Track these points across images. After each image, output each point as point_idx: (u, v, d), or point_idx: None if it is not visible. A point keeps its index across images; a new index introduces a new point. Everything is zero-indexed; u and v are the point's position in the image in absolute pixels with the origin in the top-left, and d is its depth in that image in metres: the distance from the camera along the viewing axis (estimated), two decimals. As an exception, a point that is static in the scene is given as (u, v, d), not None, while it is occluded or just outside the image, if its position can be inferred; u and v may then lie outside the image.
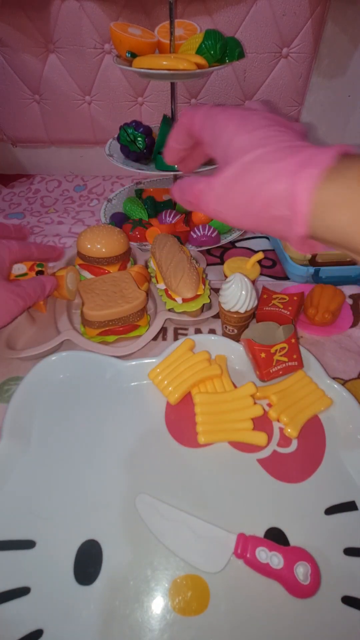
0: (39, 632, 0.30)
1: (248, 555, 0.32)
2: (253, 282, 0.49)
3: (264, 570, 0.32)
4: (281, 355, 0.43)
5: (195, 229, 0.65)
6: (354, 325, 0.53)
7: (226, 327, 0.50)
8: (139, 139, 0.61)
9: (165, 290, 0.53)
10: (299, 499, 0.37)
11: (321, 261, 0.56)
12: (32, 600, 0.32)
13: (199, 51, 0.53)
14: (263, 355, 0.42)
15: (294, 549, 0.33)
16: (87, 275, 0.55)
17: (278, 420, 0.42)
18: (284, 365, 0.43)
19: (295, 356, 0.43)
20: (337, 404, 0.43)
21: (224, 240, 0.67)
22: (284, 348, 0.43)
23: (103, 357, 0.46)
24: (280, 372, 0.43)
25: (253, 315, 0.53)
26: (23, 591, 0.32)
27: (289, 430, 0.40)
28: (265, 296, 0.52)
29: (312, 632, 0.30)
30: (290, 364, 0.43)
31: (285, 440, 0.41)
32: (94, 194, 0.84)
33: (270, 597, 0.32)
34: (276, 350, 0.42)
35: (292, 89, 0.74)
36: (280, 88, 0.74)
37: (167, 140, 0.33)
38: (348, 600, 0.32)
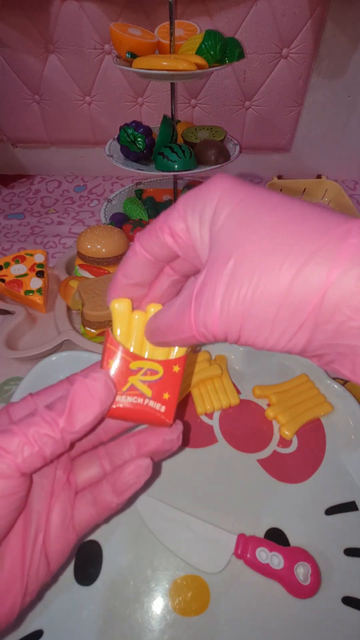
0: (39, 632, 0.30)
1: (248, 556, 0.32)
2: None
3: (264, 570, 0.32)
4: (143, 383, 0.23)
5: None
6: (354, 325, 0.53)
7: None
8: (139, 139, 0.61)
9: (165, 291, 0.53)
10: (299, 499, 0.37)
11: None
12: (32, 601, 0.31)
13: (198, 51, 0.53)
14: (114, 363, 0.23)
15: (294, 550, 0.33)
16: (87, 275, 0.55)
17: (275, 420, 0.42)
18: (137, 400, 0.23)
19: (167, 396, 0.24)
20: (337, 405, 0.43)
21: (224, 241, 0.66)
22: (155, 372, 0.24)
23: (103, 357, 0.46)
24: (129, 411, 0.23)
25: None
26: (23, 591, 0.32)
27: (286, 432, 0.40)
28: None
29: (312, 632, 0.30)
30: (150, 403, 0.23)
31: (285, 441, 0.41)
32: (94, 195, 0.84)
33: (270, 597, 0.32)
34: (140, 369, 0.23)
35: (292, 89, 0.74)
36: (280, 88, 0.75)
37: (117, 274, 0.23)
38: (348, 600, 0.32)
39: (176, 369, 0.24)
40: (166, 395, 0.24)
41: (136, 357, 0.23)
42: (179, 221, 0.20)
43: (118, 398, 0.23)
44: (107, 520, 0.27)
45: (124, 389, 0.23)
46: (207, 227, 0.18)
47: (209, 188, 0.19)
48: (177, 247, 0.20)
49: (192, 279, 0.24)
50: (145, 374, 0.23)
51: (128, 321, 0.24)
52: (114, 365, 0.23)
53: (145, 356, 0.24)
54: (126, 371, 0.23)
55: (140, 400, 0.23)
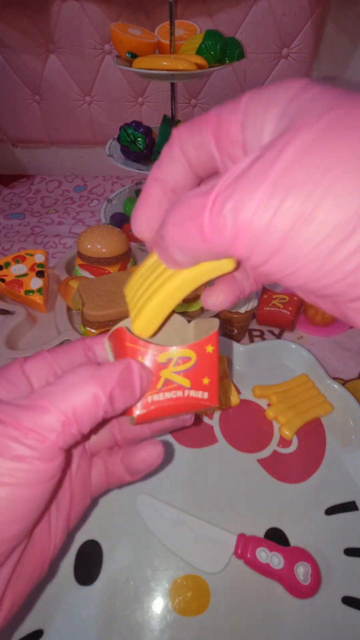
0: (39, 632, 0.30)
1: (248, 556, 0.32)
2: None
3: (264, 570, 0.32)
4: (177, 374, 0.21)
5: (196, 229, 0.65)
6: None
7: (226, 327, 0.50)
8: (139, 139, 0.61)
9: (166, 291, 0.52)
10: (299, 499, 0.37)
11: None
12: (32, 600, 0.32)
13: (199, 51, 0.53)
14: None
15: (294, 549, 0.33)
16: (87, 275, 0.55)
17: (276, 420, 0.42)
18: (176, 394, 0.21)
19: (207, 381, 0.21)
20: (337, 405, 0.43)
21: (224, 241, 0.66)
22: (187, 359, 0.21)
23: (103, 357, 0.46)
24: (170, 407, 0.21)
25: (253, 315, 0.53)
26: (23, 591, 0.32)
27: (286, 432, 0.40)
28: (265, 296, 0.52)
29: (312, 632, 0.30)
30: (190, 393, 0.21)
31: (285, 441, 0.41)
32: (94, 194, 0.84)
33: (270, 597, 0.32)
34: (169, 360, 0.21)
35: (292, 89, 0.74)
36: (280, 88, 0.75)
37: (147, 181, 0.19)
38: (348, 600, 0.32)
39: (210, 349, 0.21)
40: (206, 380, 0.21)
41: (162, 348, 0.20)
42: (235, 113, 0.14)
43: (155, 397, 0.20)
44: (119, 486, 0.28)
45: (158, 385, 0.21)
46: (275, 119, 0.13)
47: (283, 83, 0.14)
48: (218, 152, 0.15)
49: None
50: (177, 363, 0.21)
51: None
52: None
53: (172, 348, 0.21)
54: (156, 366, 0.20)
55: (179, 394, 0.21)
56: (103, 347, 0.23)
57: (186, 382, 0.21)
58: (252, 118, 0.14)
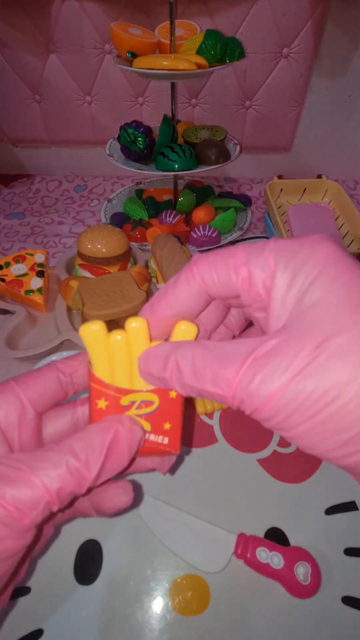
0: (39, 632, 0.30)
1: (248, 555, 0.32)
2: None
3: (264, 570, 0.32)
4: (139, 417, 0.21)
5: (196, 229, 0.65)
6: (354, 325, 0.53)
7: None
8: (139, 139, 0.61)
9: (166, 290, 0.52)
10: (299, 499, 0.37)
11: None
12: (32, 600, 0.32)
13: (199, 51, 0.53)
14: (102, 404, 0.21)
15: (294, 549, 0.33)
16: (87, 275, 0.55)
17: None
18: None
19: (168, 426, 0.21)
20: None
21: (224, 241, 0.67)
22: (150, 403, 0.21)
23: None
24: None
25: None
26: (23, 591, 0.32)
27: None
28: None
29: (312, 632, 0.30)
30: (150, 437, 0.21)
31: (285, 440, 0.41)
32: (95, 194, 0.84)
33: (270, 597, 0.32)
34: (132, 403, 0.21)
35: (292, 89, 0.74)
36: (280, 88, 0.74)
37: (160, 305, 0.19)
38: (348, 600, 0.32)
39: (173, 394, 0.21)
40: (167, 425, 0.21)
41: (125, 391, 0.21)
42: (264, 271, 0.16)
43: None
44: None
45: None
46: (297, 293, 0.16)
47: (313, 249, 0.16)
48: (247, 295, 0.17)
49: (253, 330, 0.22)
50: (139, 406, 0.21)
51: (106, 347, 0.20)
52: (104, 406, 0.21)
53: (136, 386, 0.21)
54: (118, 409, 0.21)
55: None
56: (78, 373, 0.22)
57: (147, 426, 0.21)
58: (277, 287, 0.16)
